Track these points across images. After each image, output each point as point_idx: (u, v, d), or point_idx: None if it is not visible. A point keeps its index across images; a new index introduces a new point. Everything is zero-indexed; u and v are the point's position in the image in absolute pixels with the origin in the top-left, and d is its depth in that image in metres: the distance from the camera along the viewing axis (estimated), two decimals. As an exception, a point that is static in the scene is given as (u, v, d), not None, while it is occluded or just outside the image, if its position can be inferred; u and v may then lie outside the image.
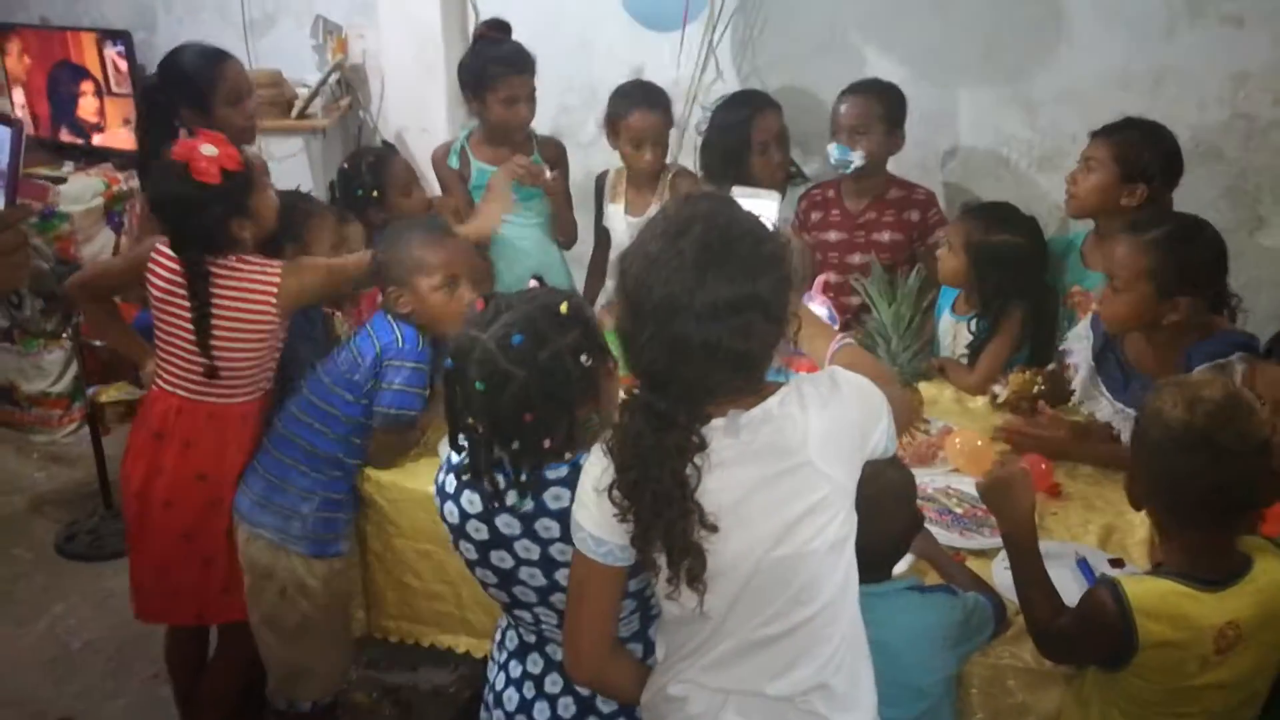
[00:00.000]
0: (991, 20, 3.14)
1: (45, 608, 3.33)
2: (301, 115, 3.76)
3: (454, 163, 3.25)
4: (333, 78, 3.90)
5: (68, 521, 3.72)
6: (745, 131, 3.08)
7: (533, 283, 1.72)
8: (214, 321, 2.27)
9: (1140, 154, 2.62)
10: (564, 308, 1.60)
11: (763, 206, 1.97)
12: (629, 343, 1.43)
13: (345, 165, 3.02)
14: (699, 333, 1.36)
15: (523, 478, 1.60)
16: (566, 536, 1.59)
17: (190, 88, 2.68)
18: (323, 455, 2.27)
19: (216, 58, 2.72)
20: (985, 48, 3.18)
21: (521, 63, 3.12)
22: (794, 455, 1.42)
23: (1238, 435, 1.55)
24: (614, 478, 1.43)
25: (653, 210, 3.15)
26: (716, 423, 1.42)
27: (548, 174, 3.11)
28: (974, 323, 2.81)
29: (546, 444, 1.58)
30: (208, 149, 2.21)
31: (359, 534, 2.38)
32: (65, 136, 4.51)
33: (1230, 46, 2.88)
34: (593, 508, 1.48)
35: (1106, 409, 2.42)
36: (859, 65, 3.28)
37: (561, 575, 1.62)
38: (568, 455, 1.61)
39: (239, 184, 2.25)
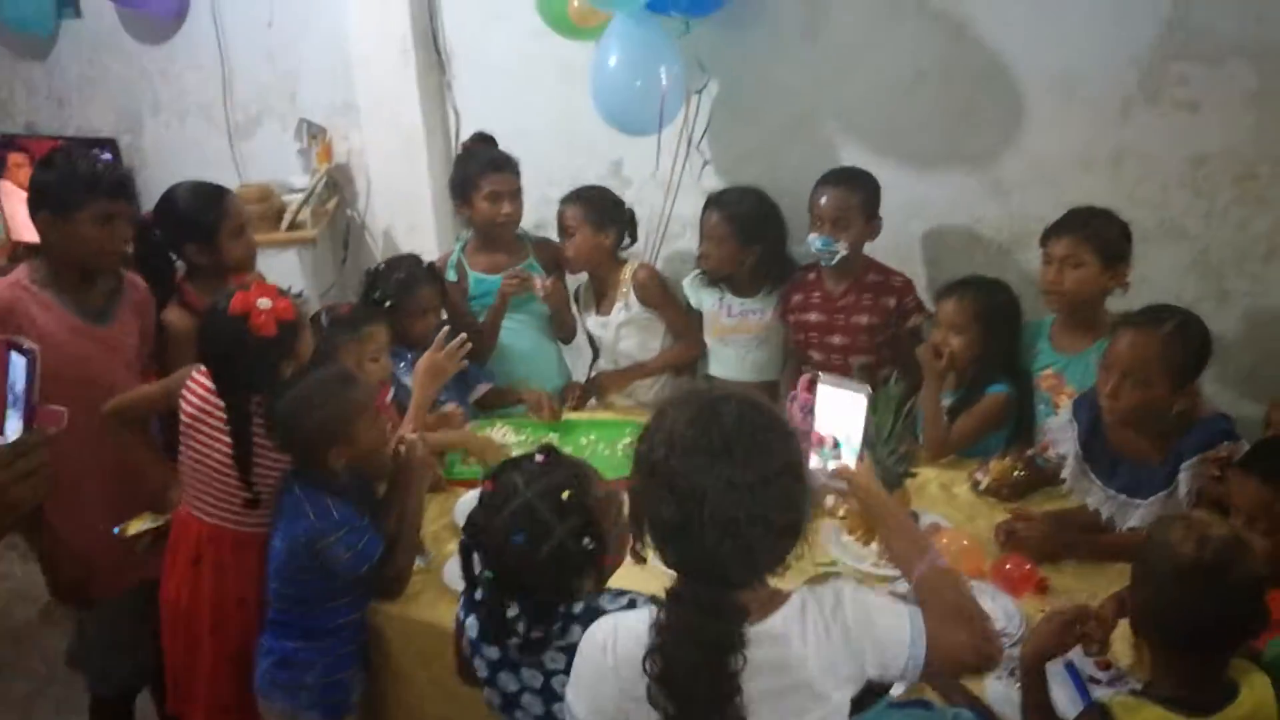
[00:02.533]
0: (956, 104, 3.23)
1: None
2: (292, 225, 3.84)
3: (452, 276, 3.36)
4: (320, 184, 3.99)
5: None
6: (700, 225, 3.29)
7: (539, 457, 1.82)
8: (256, 457, 2.36)
9: (1115, 239, 2.74)
10: (566, 495, 1.74)
11: (850, 400, 2.06)
12: (670, 532, 1.47)
13: (381, 265, 3.19)
14: (742, 508, 1.42)
15: (532, 635, 1.71)
16: (570, 670, 1.67)
17: (196, 226, 2.80)
18: (316, 629, 2.32)
19: (218, 195, 2.84)
20: (952, 132, 3.26)
21: (502, 162, 3.27)
22: (792, 673, 1.48)
23: (1244, 572, 1.64)
24: (651, 650, 1.47)
25: (618, 309, 3.34)
26: None
27: (539, 284, 3.21)
28: (957, 396, 2.92)
29: (564, 605, 1.71)
30: (263, 303, 2.30)
31: (372, 666, 2.44)
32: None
33: (1186, 130, 2.97)
34: (589, 683, 1.55)
35: (1098, 495, 2.51)
36: (833, 153, 3.39)
37: (559, 708, 1.71)
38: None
39: (291, 331, 2.34)
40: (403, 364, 3.06)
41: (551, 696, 1.75)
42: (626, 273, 3.36)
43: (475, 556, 1.80)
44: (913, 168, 3.32)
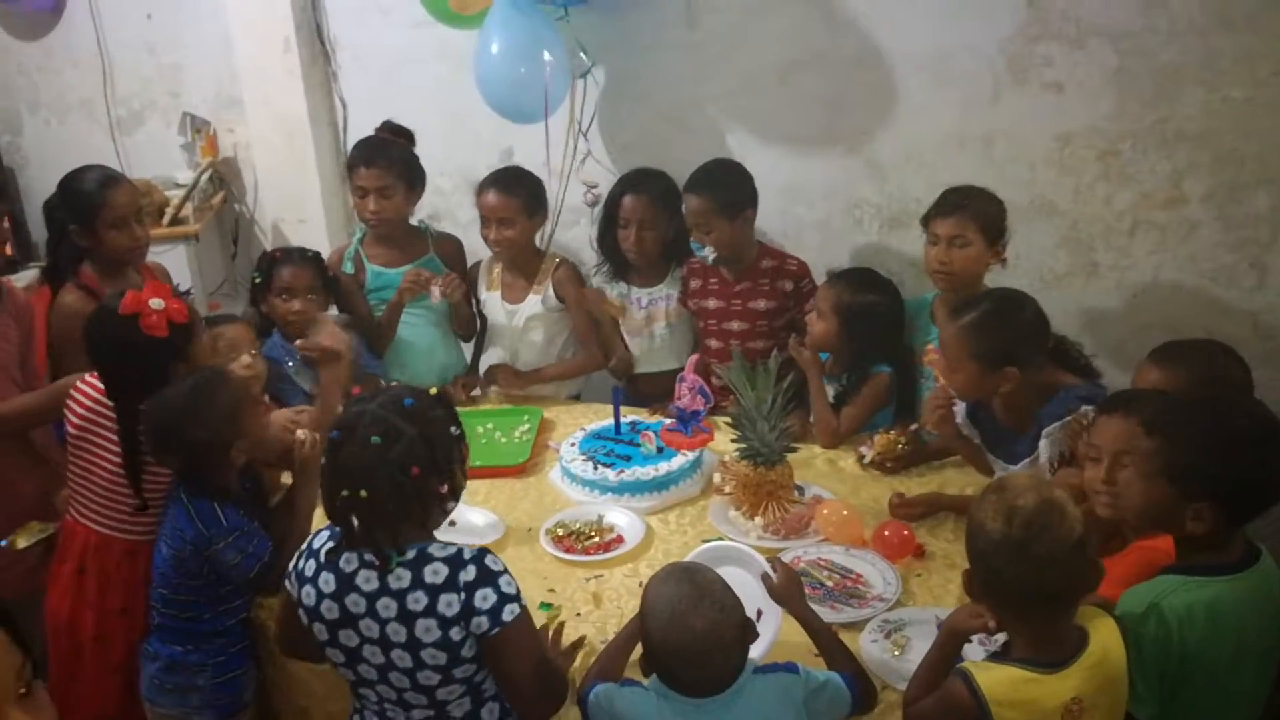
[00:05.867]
0: (833, 89, 3.31)
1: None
2: (174, 221, 3.77)
3: (349, 269, 3.30)
4: (204, 178, 3.92)
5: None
6: (614, 209, 3.23)
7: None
8: (147, 461, 2.31)
9: (995, 215, 2.81)
10: (433, 390, 1.93)
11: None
12: None
13: (264, 253, 3.19)
14: None
15: (400, 544, 1.81)
16: (432, 610, 1.78)
17: (78, 209, 2.77)
18: (204, 632, 2.29)
19: (104, 183, 2.80)
20: (829, 116, 3.34)
21: (369, 155, 3.19)
22: None
23: (1051, 541, 1.66)
24: None
25: (533, 300, 3.28)
26: None
27: (436, 293, 3.18)
28: (840, 383, 2.97)
29: (419, 508, 1.83)
30: (155, 303, 2.27)
31: (255, 661, 2.42)
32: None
33: (1052, 109, 3.09)
34: None
35: None
36: (716, 139, 3.44)
37: (397, 655, 1.81)
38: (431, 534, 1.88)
39: (183, 334, 2.31)
40: (291, 363, 3.02)
41: (388, 644, 1.81)
42: (548, 265, 3.31)
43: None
44: (793, 152, 3.39)
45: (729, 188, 3.08)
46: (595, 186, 3.55)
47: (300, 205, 3.98)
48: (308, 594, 1.88)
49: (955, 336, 2.44)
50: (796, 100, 3.34)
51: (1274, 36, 2.84)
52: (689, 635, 1.73)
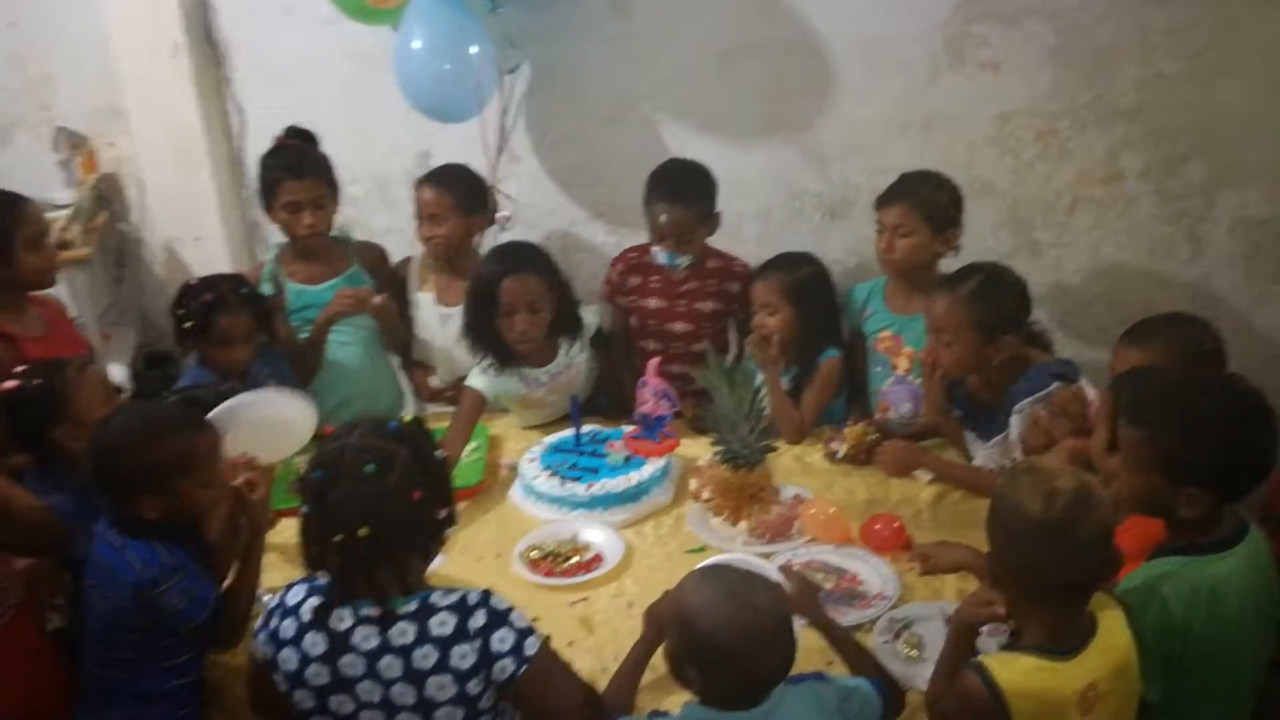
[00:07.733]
0: (770, 77, 3.23)
1: None
2: (60, 245, 3.43)
3: (267, 289, 3.05)
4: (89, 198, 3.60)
5: None
6: (490, 294, 2.77)
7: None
8: None
9: (943, 205, 2.78)
10: (405, 418, 1.82)
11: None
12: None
13: (194, 281, 2.84)
14: None
15: (408, 585, 1.70)
16: (444, 665, 1.65)
17: None
18: (147, 694, 2.04)
19: (11, 202, 2.57)
20: (767, 105, 3.27)
21: (300, 167, 2.98)
22: None
23: (1091, 525, 1.63)
24: None
25: None
26: None
27: (375, 299, 2.99)
28: (794, 372, 2.89)
29: (422, 537, 1.74)
30: None
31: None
32: None
33: (990, 89, 3.08)
34: None
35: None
36: (652, 133, 3.33)
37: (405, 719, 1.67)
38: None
39: None
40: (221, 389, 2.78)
41: (392, 709, 1.68)
42: None
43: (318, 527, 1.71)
44: (731, 143, 3.30)
45: (706, 193, 2.97)
46: (508, 213, 3.36)
47: (196, 222, 3.70)
48: (287, 659, 1.71)
49: (954, 307, 2.43)
50: (734, 91, 3.25)
51: (1204, 10, 2.88)
52: (755, 614, 1.64)
